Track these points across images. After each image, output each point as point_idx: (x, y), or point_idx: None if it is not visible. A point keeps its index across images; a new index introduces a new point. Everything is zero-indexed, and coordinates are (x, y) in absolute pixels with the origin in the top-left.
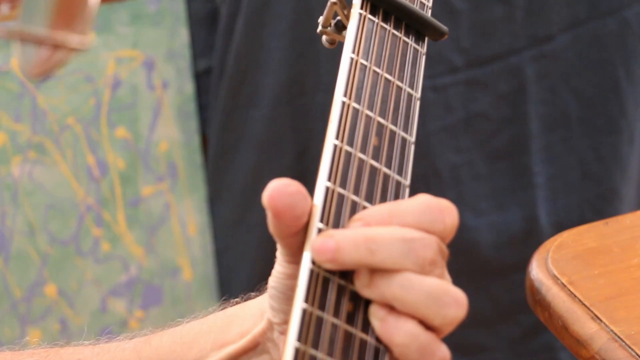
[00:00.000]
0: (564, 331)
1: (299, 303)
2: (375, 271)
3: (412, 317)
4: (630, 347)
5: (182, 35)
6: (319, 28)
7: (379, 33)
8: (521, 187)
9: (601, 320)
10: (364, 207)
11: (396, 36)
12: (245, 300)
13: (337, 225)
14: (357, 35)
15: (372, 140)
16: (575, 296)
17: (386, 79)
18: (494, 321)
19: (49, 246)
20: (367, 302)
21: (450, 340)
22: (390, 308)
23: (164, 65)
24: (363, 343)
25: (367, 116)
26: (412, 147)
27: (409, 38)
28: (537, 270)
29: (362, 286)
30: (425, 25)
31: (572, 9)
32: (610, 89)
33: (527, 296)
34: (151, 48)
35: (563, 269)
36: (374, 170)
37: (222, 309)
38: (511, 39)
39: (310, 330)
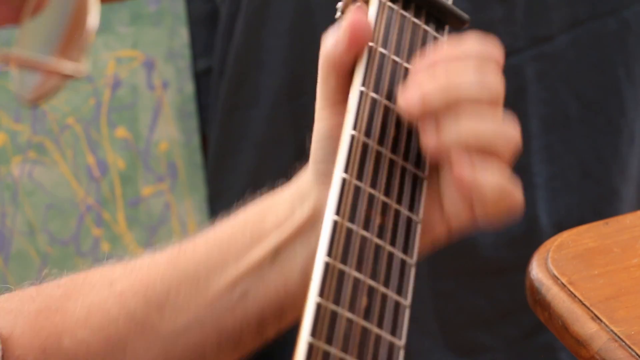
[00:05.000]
0: (564, 331)
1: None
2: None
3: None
4: (630, 347)
5: (182, 35)
6: (338, 14)
7: (398, 21)
8: (521, 187)
9: (601, 320)
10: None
11: (416, 24)
12: (272, 193)
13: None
14: (376, 23)
15: (391, 132)
16: (575, 296)
17: (405, 68)
18: (494, 321)
19: (49, 246)
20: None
21: (450, 340)
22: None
23: (164, 65)
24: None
25: (386, 107)
26: None
27: (429, 26)
28: (537, 270)
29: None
30: (446, 13)
31: (572, 9)
32: (610, 89)
33: (527, 296)
34: (151, 48)
35: (563, 269)
36: (392, 162)
37: (251, 205)
38: (511, 39)
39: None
